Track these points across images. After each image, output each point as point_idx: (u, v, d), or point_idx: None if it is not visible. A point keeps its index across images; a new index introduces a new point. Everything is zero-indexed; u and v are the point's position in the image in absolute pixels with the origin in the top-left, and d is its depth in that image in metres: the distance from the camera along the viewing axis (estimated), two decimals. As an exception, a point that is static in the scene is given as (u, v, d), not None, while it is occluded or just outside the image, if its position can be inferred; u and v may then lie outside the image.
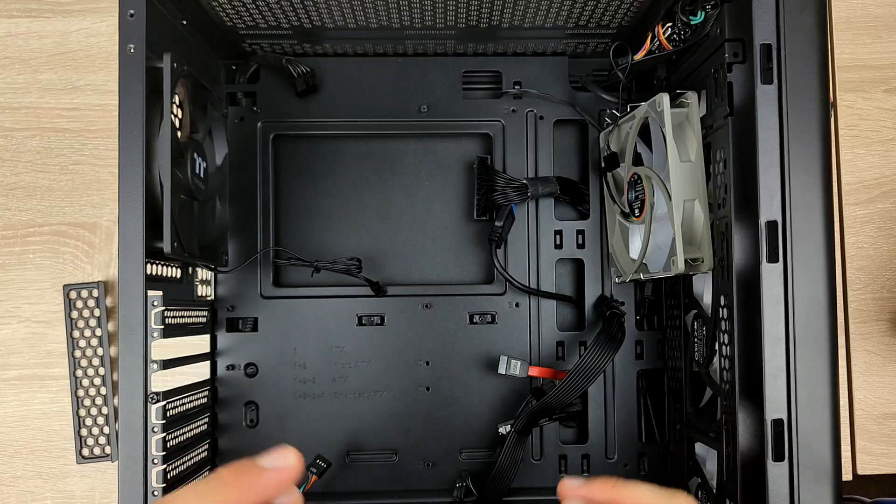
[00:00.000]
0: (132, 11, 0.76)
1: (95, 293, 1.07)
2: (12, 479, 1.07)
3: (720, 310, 0.82)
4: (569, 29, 0.96)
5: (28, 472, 1.07)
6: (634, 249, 0.96)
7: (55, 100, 1.09)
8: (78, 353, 1.06)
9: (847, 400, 1.10)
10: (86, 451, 1.06)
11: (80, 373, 1.06)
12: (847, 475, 1.08)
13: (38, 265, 1.08)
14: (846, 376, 1.10)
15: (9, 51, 1.09)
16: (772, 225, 0.73)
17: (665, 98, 0.84)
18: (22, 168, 1.08)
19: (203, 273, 0.98)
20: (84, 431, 1.06)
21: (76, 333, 1.06)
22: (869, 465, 1.09)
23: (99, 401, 1.05)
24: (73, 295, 1.07)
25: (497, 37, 0.98)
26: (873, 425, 1.09)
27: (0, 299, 1.08)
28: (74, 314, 1.07)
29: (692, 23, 0.85)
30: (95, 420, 1.06)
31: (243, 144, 1.02)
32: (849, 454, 1.09)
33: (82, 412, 1.06)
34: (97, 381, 1.05)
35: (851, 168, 1.12)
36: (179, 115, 0.86)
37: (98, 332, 1.06)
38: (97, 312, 1.06)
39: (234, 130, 1.02)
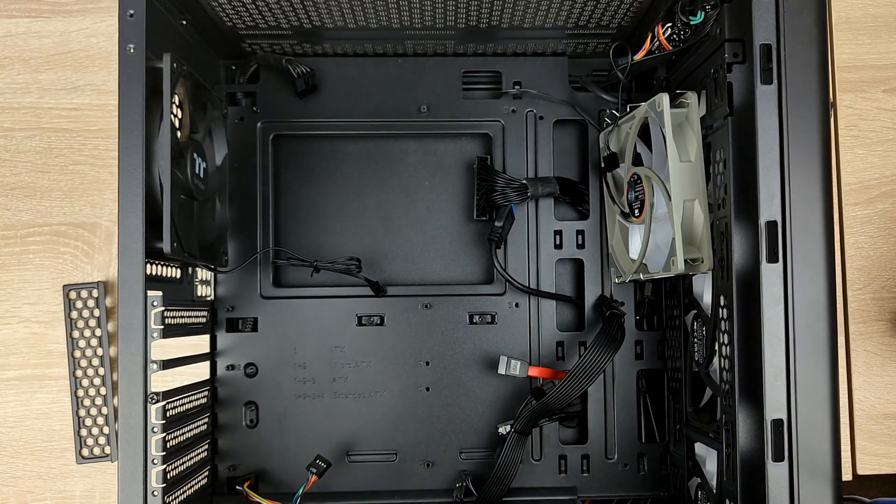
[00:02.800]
0: (132, 11, 0.76)
1: (95, 293, 1.06)
2: (12, 480, 1.07)
3: (720, 310, 0.82)
4: (568, 29, 0.96)
5: (28, 473, 1.07)
6: (634, 249, 0.96)
7: (55, 100, 1.09)
8: (78, 354, 1.06)
9: (847, 400, 1.10)
10: (85, 452, 1.06)
11: (79, 373, 1.06)
12: (847, 475, 1.08)
13: (37, 265, 1.08)
14: (846, 376, 1.10)
15: (8, 51, 1.09)
16: (772, 225, 0.73)
17: (665, 98, 0.84)
18: (22, 168, 1.08)
19: (203, 273, 0.99)
20: (84, 431, 1.06)
21: (76, 334, 1.06)
22: (869, 465, 1.09)
23: (99, 401, 1.05)
24: (72, 295, 1.06)
25: (497, 37, 0.98)
26: (873, 425, 1.09)
27: (0, 299, 1.08)
28: (74, 314, 1.06)
29: (692, 23, 0.85)
30: (95, 420, 1.06)
31: (243, 144, 1.02)
32: (849, 454, 1.09)
33: (82, 412, 1.06)
34: (97, 381, 1.05)
35: (851, 168, 1.12)
36: (179, 115, 0.86)
37: (98, 332, 1.06)
38: (97, 313, 1.06)
39: (234, 130, 1.02)
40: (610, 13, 0.92)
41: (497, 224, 1.00)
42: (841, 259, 1.11)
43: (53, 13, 1.09)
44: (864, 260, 1.11)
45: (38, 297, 1.08)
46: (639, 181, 0.90)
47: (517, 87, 1.03)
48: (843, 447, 1.05)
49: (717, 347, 0.84)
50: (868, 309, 1.11)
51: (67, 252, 1.08)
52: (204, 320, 0.99)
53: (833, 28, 1.14)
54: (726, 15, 0.80)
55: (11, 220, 1.08)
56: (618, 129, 0.97)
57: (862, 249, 1.11)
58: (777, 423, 0.73)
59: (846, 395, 1.10)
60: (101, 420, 1.06)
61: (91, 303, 1.06)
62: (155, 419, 0.81)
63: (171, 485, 0.83)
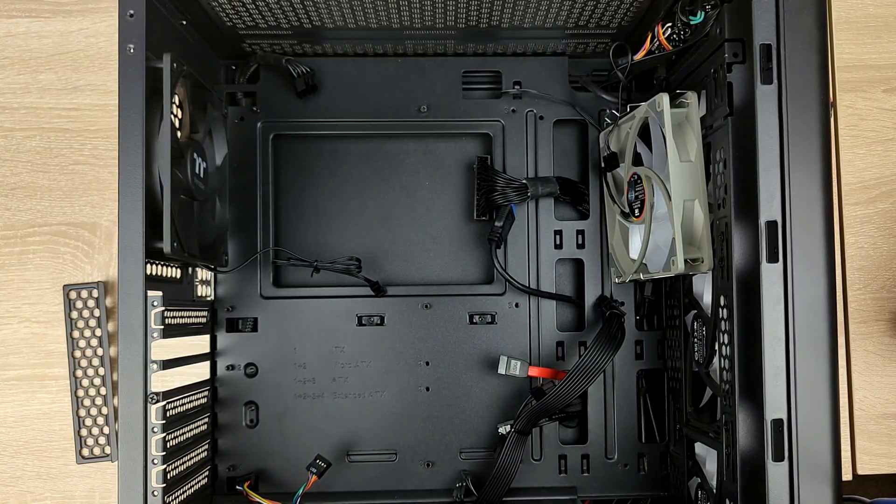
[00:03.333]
0: (132, 11, 0.76)
1: (95, 293, 1.06)
2: (12, 480, 1.07)
3: (720, 310, 0.82)
4: (568, 29, 0.96)
5: (28, 473, 1.07)
6: (634, 249, 0.96)
7: (55, 100, 1.09)
8: (78, 354, 1.06)
9: (847, 400, 1.10)
10: (86, 452, 1.06)
11: (79, 373, 1.06)
12: (847, 475, 1.08)
13: (37, 265, 1.08)
14: (846, 376, 1.10)
15: (8, 51, 1.09)
16: (772, 225, 0.73)
17: (665, 98, 0.84)
18: (22, 168, 1.08)
19: (203, 273, 0.98)
20: (84, 431, 1.06)
21: (76, 334, 1.06)
22: (869, 465, 1.09)
23: (99, 401, 1.05)
24: (72, 295, 1.06)
25: (497, 37, 0.98)
26: (873, 425, 1.09)
27: (0, 299, 1.08)
28: (74, 314, 1.06)
29: (692, 23, 0.85)
30: (95, 420, 1.06)
31: (243, 144, 1.02)
32: (849, 454, 1.09)
33: (82, 412, 1.06)
34: (97, 381, 1.05)
35: (851, 168, 1.12)
36: (179, 115, 0.86)
37: (98, 332, 1.06)
38: (97, 312, 1.06)
39: (234, 130, 1.02)
40: (610, 13, 0.92)
41: (497, 224, 1.00)
42: (841, 259, 1.11)
43: (53, 13, 1.09)
44: (864, 260, 1.11)
45: (38, 297, 1.08)
46: (639, 181, 0.90)
47: (517, 86, 1.03)
48: (843, 447, 1.05)
49: (717, 347, 0.84)
50: (868, 309, 1.11)
51: (67, 252, 1.08)
52: (204, 320, 0.98)
53: (833, 28, 1.14)
54: (726, 15, 0.80)
55: (11, 220, 1.08)
56: (618, 129, 0.96)
57: (862, 249, 1.11)
58: (777, 423, 0.73)
59: (846, 395, 1.10)
60: (101, 420, 1.06)
61: (91, 303, 1.06)
62: (155, 419, 0.81)
63: (171, 485, 0.83)
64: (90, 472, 1.07)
